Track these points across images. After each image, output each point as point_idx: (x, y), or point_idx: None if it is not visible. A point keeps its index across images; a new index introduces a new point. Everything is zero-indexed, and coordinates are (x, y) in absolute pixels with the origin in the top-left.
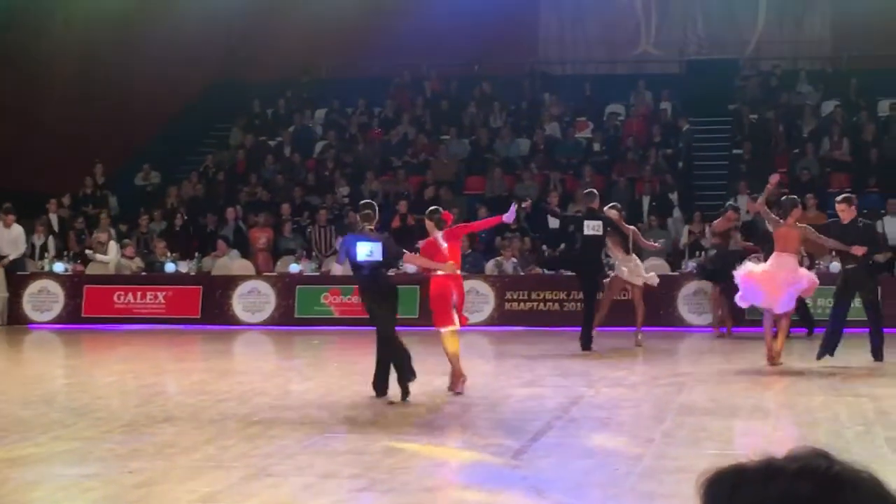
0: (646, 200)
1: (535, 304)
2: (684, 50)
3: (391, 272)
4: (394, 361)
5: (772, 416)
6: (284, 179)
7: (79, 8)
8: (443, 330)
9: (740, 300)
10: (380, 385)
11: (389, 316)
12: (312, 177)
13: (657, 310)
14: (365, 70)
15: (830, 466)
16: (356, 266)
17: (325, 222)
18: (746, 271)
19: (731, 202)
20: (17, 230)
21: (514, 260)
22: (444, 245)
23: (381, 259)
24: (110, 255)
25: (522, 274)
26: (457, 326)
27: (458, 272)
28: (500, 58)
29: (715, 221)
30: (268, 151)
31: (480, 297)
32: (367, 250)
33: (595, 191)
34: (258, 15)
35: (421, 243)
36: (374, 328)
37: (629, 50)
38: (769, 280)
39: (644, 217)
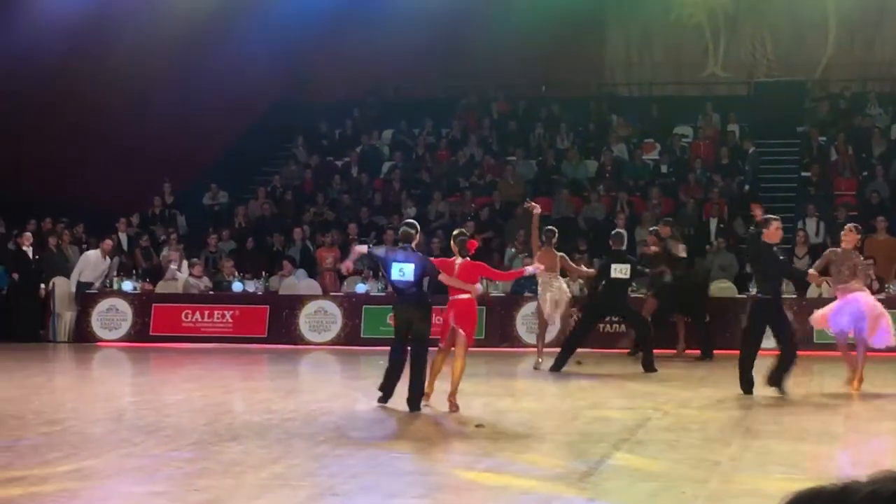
0: (713, 223)
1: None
2: (753, 72)
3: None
4: (419, 377)
5: (840, 441)
6: (351, 199)
7: (145, 30)
8: (442, 346)
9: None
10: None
11: (426, 333)
12: (379, 197)
13: (724, 332)
14: (432, 91)
15: None
16: (391, 284)
17: (391, 242)
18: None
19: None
20: (109, 262)
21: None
22: (456, 271)
23: (412, 280)
24: (183, 275)
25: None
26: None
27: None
28: (567, 79)
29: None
30: (335, 171)
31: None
32: (398, 270)
33: (623, 232)
34: (325, 35)
35: (435, 260)
36: (402, 345)
37: (697, 71)
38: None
39: (711, 238)
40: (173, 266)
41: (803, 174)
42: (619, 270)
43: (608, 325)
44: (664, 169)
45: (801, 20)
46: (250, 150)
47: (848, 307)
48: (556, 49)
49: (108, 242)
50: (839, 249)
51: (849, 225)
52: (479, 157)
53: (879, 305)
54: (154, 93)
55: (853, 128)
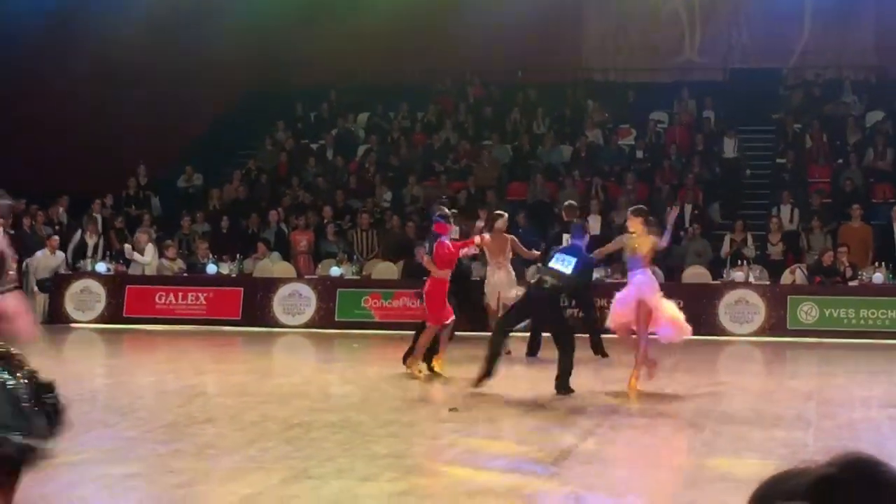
0: (688, 208)
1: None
2: (728, 58)
3: None
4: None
5: (813, 427)
6: (326, 183)
7: (122, 15)
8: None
9: None
10: None
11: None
12: (354, 180)
13: (698, 318)
14: (408, 75)
15: (872, 465)
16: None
17: (366, 226)
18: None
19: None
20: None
21: None
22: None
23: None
24: (147, 258)
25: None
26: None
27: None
28: (543, 64)
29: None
30: (310, 154)
31: None
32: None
33: (574, 203)
34: (302, 18)
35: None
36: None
37: (673, 57)
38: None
39: (686, 224)
40: (127, 247)
41: (778, 161)
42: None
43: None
44: (639, 154)
45: (777, 7)
46: (226, 133)
47: (627, 294)
48: (533, 34)
49: (55, 239)
50: (627, 235)
51: (632, 209)
52: (454, 141)
53: (656, 297)
54: (130, 76)
55: (828, 115)
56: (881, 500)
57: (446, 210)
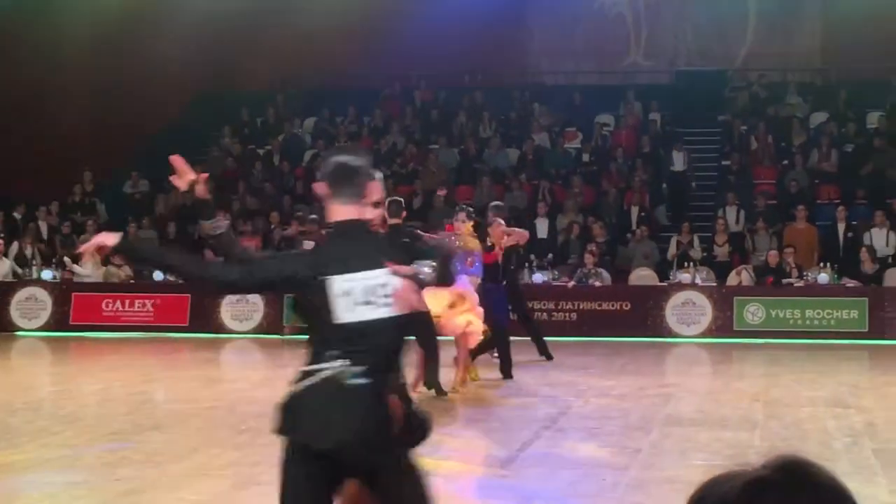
0: (634, 211)
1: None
2: (674, 61)
3: None
4: None
5: (759, 428)
6: (273, 188)
7: (68, 19)
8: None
9: None
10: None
11: None
12: (301, 185)
13: (645, 320)
14: (355, 80)
15: (805, 466)
16: None
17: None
18: None
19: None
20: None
21: None
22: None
23: None
24: (87, 269)
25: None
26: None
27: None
28: (490, 68)
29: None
30: (256, 160)
31: None
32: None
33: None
34: (248, 24)
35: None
36: None
37: (619, 60)
38: None
39: (633, 227)
40: (67, 260)
41: (723, 163)
42: None
43: (545, 314)
44: (586, 157)
45: (722, 10)
46: (172, 139)
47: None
48: (480, 37)
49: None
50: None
51: (461, 212)
52: (401, 145)
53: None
54: (75, 80)
55: (773, 117)
56: (812, 501)
57: (471, 209)
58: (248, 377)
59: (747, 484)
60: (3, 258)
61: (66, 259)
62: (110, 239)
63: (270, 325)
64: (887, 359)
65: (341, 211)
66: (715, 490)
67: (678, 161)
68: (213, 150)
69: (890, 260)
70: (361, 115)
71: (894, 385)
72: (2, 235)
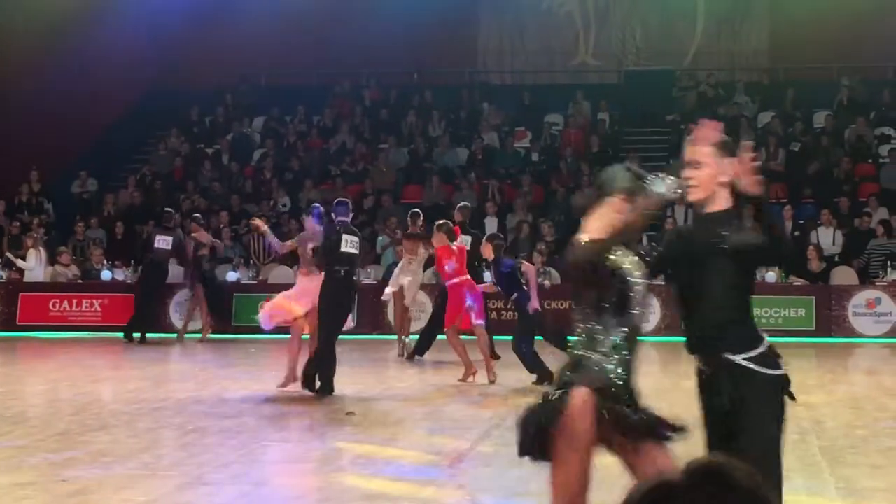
0: None
1: None
2: (623, 60)
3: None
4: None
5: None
6: (222, 187)
7: (12, 15)
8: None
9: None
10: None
11: None
12: (250, 184)
13: None
14: (304, 78)
15: (719, 469)
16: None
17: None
18: None
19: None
20: None
21: None
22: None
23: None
24: (29, 263)
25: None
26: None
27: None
28: (439, 67)
29: None
30: (205, 159)
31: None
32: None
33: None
34: (197, 22)
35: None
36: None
37: (568, 60)
38: None
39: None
40: (8, 254)
41: (672, 162)
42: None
43: (494, 312)
44: (535, 157)
45: (671, 9)
46: (120, 138)
47: None
48: (429, 36)
49: None
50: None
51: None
52: (350, 144)
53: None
54: (21, 79)
55: (721, 116)
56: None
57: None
58: (195, 377)
59: (651, 489)
60: None
61: (8, 255)
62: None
63: (218, 324)
64: (834, 357)
65: None
66: (631, 496)
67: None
68: (161, 149)
69: (837, 258)
70: (311, 114)
71: (841, 383)
72: None
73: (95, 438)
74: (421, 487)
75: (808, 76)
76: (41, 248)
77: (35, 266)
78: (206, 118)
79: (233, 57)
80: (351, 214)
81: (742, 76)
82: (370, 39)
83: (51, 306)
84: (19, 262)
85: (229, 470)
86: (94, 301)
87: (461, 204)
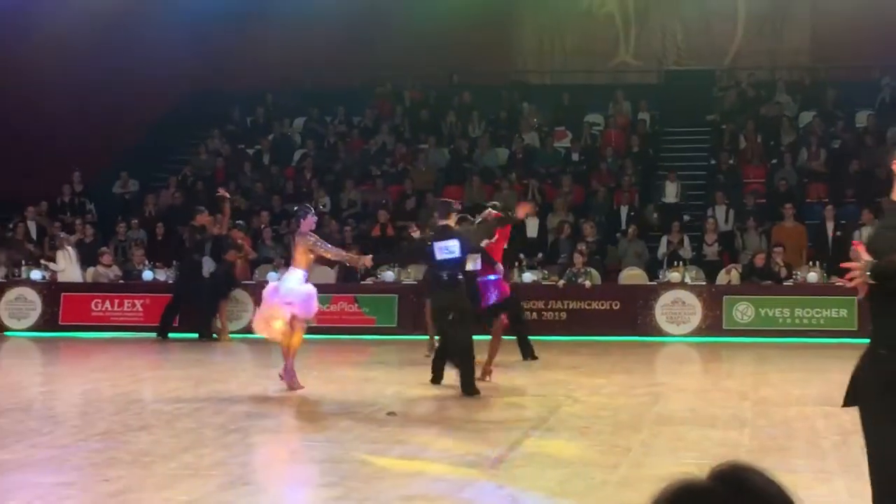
0: (624, 210)
1: None
2: (663, 60)
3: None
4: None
5: (749, 426)
6: (263, 188)
7: (54, 17)
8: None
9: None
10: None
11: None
12: (291, 185)
13: (635, 319)
14: (344, 79)
15: (742, 472)
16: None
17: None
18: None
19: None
20: None
21: None
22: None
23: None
24: (59, 265)
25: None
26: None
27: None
28: (479, 68)
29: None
30: (246, 160)
31: None
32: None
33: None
34: (238, 23)
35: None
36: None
37: (608, 60)
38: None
39: (623, 226)
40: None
41: (712, 162)
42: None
43: (535, 313)
44: (575, 157)
45: (711, 9)
46: (162, 139)
47: None
48: (469, 37)
49: None
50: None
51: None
52: (391, 145)
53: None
54: (65, 81)
55: (762, 116)
56: None
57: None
58: (236, 377)
59: (677, 491)
60: None
61: (41, 261)
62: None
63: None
64: None
65: None
66: (658, 497)
67: (670, 192)
68: (202, 151)
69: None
70: (351, 115)
71: None
72: None
73: (137, 438)
74: (460, 489)
75: (849, 75)
76: (69, 249)
77: (66, 266)
78: (247, 119)
79: (274, 58)
80: (453, 215)
81: (783, 75)
82: (410, 40)
83: (93, 306)
84: (51, 265)
85: (270, 470)
86: (136, 301)
87: (491, 202)
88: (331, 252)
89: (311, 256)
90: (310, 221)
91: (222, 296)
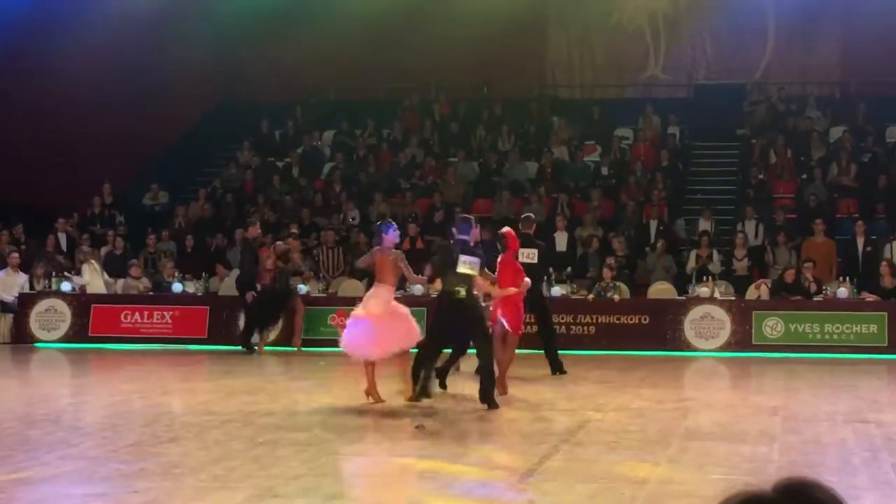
0: (653, 224)
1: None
2: (693, 74)
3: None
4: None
5: (778, 442)
6: (292, 200)
7: (89, 34)
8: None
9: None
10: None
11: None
12: (320, 198)
13: (664, 334)
14: (374, 92)
15: (808, 487)
16: None
17: (332, 244)
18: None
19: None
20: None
21: None
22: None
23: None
24: (84, 278)
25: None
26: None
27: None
28: (508, 81)
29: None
30: (275, 172)
31: None
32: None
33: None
34: (267, 36)
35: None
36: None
37: (637, 74)
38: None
39: (652, 240)
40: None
41: (742, 176)
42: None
43: (563, 327)
44: (605, 171)
45: (741, 23)
46: (191, 151)
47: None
48: (498, 51)
49: (15, 256)
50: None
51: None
52: (420, 158)
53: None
54: (95, 94)
55: (792, 130)
56: None
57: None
58: (265, 389)
59: (742, 502)
60: (20, 272)
61: (65, 272)
62: None
63: (289, 338)
64: None
65: None
66: None
67: (703, 227)
68: (231, 163)
69: None
70: (381, 128)
71: None
72: (23, 246)
73: (166, 450)
74: (491, 500)
75: (880, 90)
76: (93, 261)
77: (91, 279)
78: (277, 132)
79: (303, 71)
80: (474, 232)
81: (813, 90)
82: (439, 53)
83: (122, 318)
84: (76, 279)
85: (300, 483)
86: (165, 313)
87: (524, 215)
88: (408, 270)
89: (398, 272)
90: (392, 236)
91: (282, 308)
